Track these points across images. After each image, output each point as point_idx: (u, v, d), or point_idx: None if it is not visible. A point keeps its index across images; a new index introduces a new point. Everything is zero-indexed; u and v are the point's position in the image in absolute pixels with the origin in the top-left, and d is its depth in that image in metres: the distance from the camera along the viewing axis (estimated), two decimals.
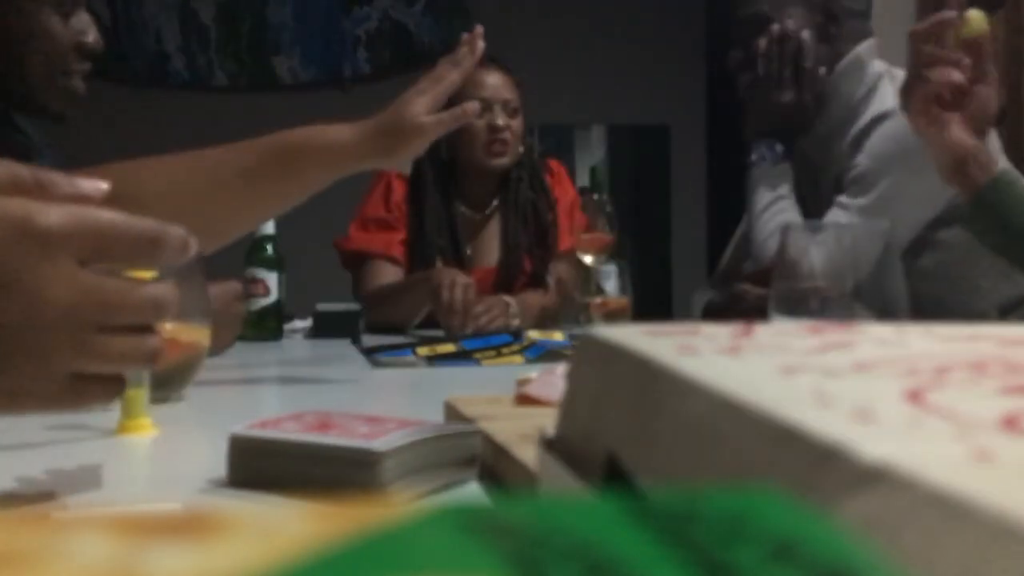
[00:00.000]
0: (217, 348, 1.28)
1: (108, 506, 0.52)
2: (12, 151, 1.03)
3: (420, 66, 1.99)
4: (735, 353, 0.30)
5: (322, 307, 1.83)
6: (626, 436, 0.28)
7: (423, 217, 2.02)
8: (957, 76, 1.09)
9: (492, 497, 0.53)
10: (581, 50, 4.72)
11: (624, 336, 0.31)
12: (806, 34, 1.56)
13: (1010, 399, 0.23)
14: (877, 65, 1.59)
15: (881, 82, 1.57)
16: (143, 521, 0.13)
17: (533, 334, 1.43)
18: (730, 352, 0.30)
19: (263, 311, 1.72)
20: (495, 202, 2.08)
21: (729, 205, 2.42)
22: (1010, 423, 0.21)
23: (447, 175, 2.05)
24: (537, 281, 2.05)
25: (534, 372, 0.78)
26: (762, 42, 1.57)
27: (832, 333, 0.34)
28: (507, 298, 1.86)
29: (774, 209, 1.57)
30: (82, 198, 0.49)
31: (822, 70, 1.57)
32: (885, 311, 0.73)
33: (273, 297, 1.74)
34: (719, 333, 0.33)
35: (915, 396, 0.23)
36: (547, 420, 0.35)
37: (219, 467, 0.55)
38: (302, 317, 1.97)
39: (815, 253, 0.77)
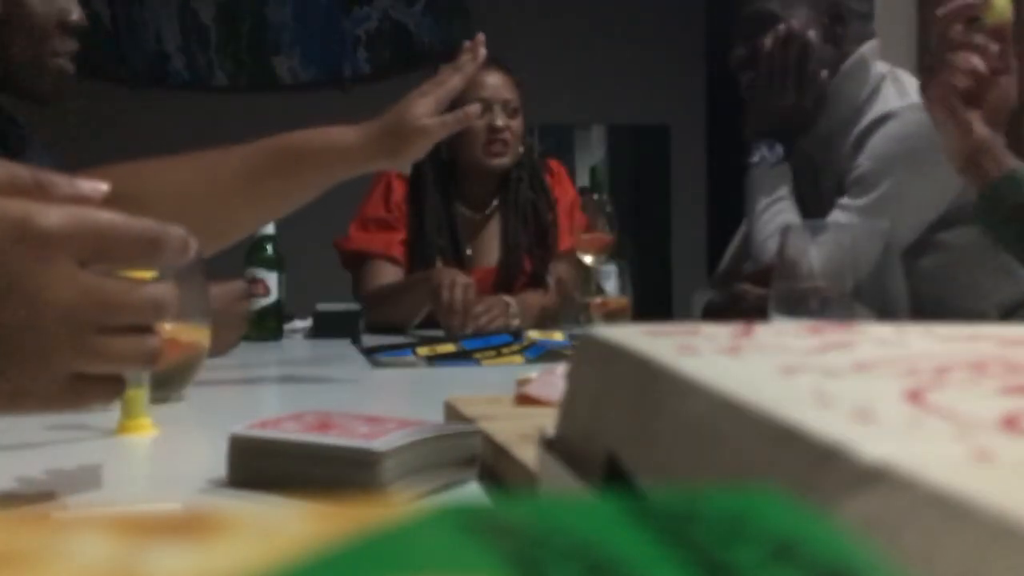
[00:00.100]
0: (221, 348, 1.27)
1: (108, 506, 0.52)
2: None
3: (420, 66, 1.99)
4: (735, 353, 0.30)
5: (322, 307, 1.83)
6: (626, 436, 0.28)
7: (423, 217, 2.02)
8: (980, 64, 1.08)
9: (492, 497, 0.53)
10: (581, 50, 4.72)
11: (624, 336, 0.31)
12: (812, 35, 1.55)
13: (1010, 399, 0.23)
14: (880, 66, 1.59)
15: (884, 83, 1.56)
16: (143, 521, 0.13)
17: (533, 334, 1.43)
18: (730, 352, 0.30)
19: (263, 311, 1.72)
20: (495, 202, 2.08)
21: (729, 205, 2.42)
22: (1010, 423, 0.21)
23: (447, 175, 2.05)
24: (537, 281, 2.05)
25: (534, 372, 0.78)
26: (767, 41, 1.55)
27: (832, 333, 0.34)
28: (507, 298, 1.85)
29: (774, 210, 1.57)
30: (82, 199, 0.48)
31: (824, 73, 1.56)
32: (885, 311, 0.73)
33: (273, 297, 1.74)
34: (719, 333, 0.33)
35: (915, 396, 0.23)
36: (547, 420, 0.35)
37: (219, 467, 0.55)
38: (302, 317, 1.98)
39: (815, 253, 0.77)
